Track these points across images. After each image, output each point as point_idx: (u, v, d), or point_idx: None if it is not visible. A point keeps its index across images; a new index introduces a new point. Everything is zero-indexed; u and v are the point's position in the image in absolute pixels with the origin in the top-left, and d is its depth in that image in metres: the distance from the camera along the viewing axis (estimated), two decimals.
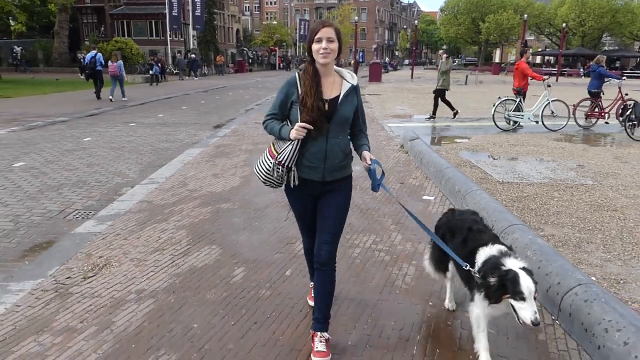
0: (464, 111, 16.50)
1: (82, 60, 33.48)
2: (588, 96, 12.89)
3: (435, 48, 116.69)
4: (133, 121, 13.50)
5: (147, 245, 4.68)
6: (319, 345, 2.91)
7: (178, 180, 7.14)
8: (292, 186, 2.92)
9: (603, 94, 12.85)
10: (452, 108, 14.71)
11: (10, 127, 11.86)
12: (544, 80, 12.55)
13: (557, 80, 39.89)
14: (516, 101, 12.40)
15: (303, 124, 2.71)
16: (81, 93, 22.12)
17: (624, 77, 14.90)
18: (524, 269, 2.58)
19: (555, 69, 54.75)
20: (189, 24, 47.23)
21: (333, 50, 2.74)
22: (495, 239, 2.94)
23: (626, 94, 12.53)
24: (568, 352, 3.08)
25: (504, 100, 12.44)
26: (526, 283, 2.49)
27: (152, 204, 6.00)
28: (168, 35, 44.77)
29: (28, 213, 5.74)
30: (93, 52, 20.10)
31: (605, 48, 74.30)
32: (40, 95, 20.69)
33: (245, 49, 64.24)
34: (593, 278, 3.79)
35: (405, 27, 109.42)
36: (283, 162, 2.81)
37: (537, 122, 12.26)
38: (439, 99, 14.62)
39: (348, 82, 2.88)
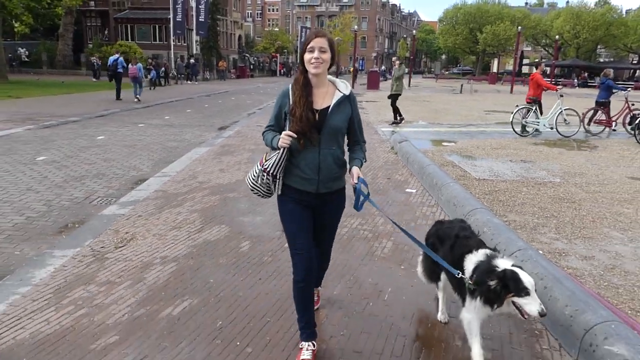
0: (454, 118, 17.36)
1: (94, 64, 34.39)
2: (594, 106, 14.08)
3: (435, 57, 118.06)
4: (141, 122, 14.33)
5: (166, 224, 5.49)
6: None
7: (188, 174, 7.95)
8: (277, 194, 2.95)
9: (609, 104, 14.03)
10: (400, 114, 15.62)
11: (26, 126, 12.67)
12: (557, 90, 13.58)
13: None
14: (531, 109, 13.33)
15: (288, 132, 2.73)
16: (88, 95, 22.98)
17: (630, 89, 16.05)
18: (516, 266, 2.69)
19: (550, 79, 55.97)
20: (193, 30, 48.20)
21: (325, 61, 2.75)
22: (480, 244, 3.03)
23: (632, 104, 13.63)
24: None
25: (521, 109, 13.42)
26: (527, 278, 2.59)
27: (166, 192, 6.80)
28: (171, 40, 45.68)
29: (57, 199, 6.54)
30: (116, 56, 21.40)
31: (601, 60, 75.63)
32: (50, 97, 21.52)
33: (247, 55, 65.23)
34: (537, 249, 4.59)
35: (405, 36, 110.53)
36: (268, 169, 2.83)
37: (551, 128, 13.23)
38: (391, 103, 15.65)
39: (340, 91, 2.87)
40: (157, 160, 9.09)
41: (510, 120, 13.37)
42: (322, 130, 2.79)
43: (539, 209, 6.28)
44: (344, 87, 2.91)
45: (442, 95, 31.06)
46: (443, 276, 3.33)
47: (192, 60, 42.23)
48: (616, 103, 14.52)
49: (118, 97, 20.45)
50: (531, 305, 2.54)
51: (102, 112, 16.38)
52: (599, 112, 14.03)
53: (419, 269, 3.72)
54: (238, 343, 3.18)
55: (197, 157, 9.25)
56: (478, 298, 2.74)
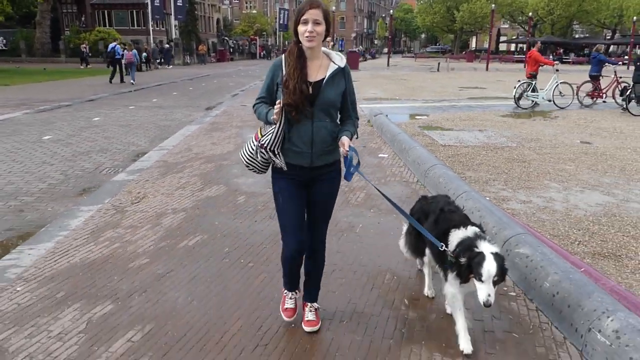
0: (429, 94, 18.35)
1: (84, 51, 34.61)
2: (588, 79, 15.20)
3: (414, 36, 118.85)
4: (131, 105, 15.07)
5: (171, 185, 6.38)
6: (309, 315, 3.15)
7: (183, 147, 8.81)
8: (282, 170, 2.87)
9: (602, 77, 15.14)
10: None
11: (22, 111, 13.34)
12: (553, 65, 14.90)
13: (524, 66, 42.13)
14: (532, 83, 14.47)
15: (278, 103, 2.70)
16: (73, 81, 23.51)
17: (620, 62, 17.27)
18: (495, 254, 2.70)
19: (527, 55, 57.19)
20: (171, 14, 48.29)
21: (319, 34, 2.67)
22: (467, 220, 3.08)
23: (620, 77, 14.85)
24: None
25: (522, 83, 14.53)
26: (488, 267, 2.62)
27: (167, 162, 7.68)
28: (150, 25, 45.79)
29: (71, 169, 7.38)
30: (113, 44, 23.33)
31: (576, 36, 77.15)
32: (35, 84, 22.01)
33: (226, 38, 65.31)
34: (483, 195, 5.58)
35: (384, 15, 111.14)
36: (266, 144, 2.77)
37: (549, 100, 14.41)
38: None
39: (335, 64, 2.79)
40: (153, 137, 9.92)
41: (513, 94, 14.52)
42: (316, 103, 2.73)
43: (492, 168, 7.29)
44: (339, 59, 2.83)
45: (419, 74, 32.03)
46: (428, 252, 3.38)
47: (166, 45, 42.50)
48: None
49: (111, 81, 22.20)
50: (480, 291, 2.64)
51: (91, 97, 17.03)
52: (590, 85, 15.18)
53: (401, 242, 3.81)
54: (242, 261, 4.13)
55: (189, 134, 10.09)
56: (451, 271, 2.85)
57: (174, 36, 47.41)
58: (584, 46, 64.32)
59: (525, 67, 15.57)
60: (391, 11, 53.81)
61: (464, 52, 68.37)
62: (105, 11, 54.85)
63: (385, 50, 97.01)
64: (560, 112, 13.62)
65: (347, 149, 2.75)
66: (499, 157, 8.00)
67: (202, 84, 23.99)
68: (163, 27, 52.35)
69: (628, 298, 3.12)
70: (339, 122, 2.93)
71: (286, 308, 3.20)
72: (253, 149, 2.86)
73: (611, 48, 64.09)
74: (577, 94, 14.82)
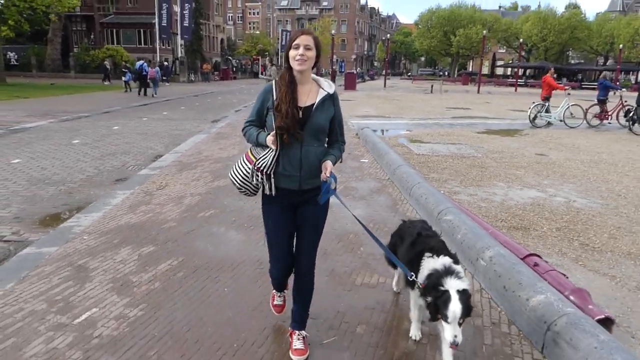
0: (417, 113, 19.90)
1: (107, 67, 36.44)
2: (596, 102, 16.82)
3: (414, 59, 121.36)
4: (144, 117, 16.60)
5: (187, 178, 7.83)
6: (297, 343, 3.08)
7: (195, 151, 10.28)
8: (268, 194, 2.92)
9: (608, 101, 16.90)
10: None
11: (47, 120, 14.84)
12: (565, 90, 16.90)
13: (515, 90, 43.95)
14: (545, 105, 16.23)
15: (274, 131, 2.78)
16: (87, 96, 25.14)
17: (623, 89, 19.22)
18: (462, 291, 2.70)
19: (522, 80, 59.27)
20: (177, 34, 50.24)
21: (310, 58, 2.78)
22: (442, 248, 3.08)
23: (625, 101, 16.66)
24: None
25: (537, 105, 16.29)
26: (453, 308, 2.63)
27: (182, 162, 9.13)
28: (157, 44, 47.67)
29: (102, 166, 8.84)
30: (140, 62, 27.51)
31: (572, 61, 79.43)
32: (53, 97, 23.60)
33: (230, 57, 67.34)
34: (442, 191, 7.01)
35: (383, 38, 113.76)
36: (262, 168, 2.82)
37: (560, 121, 16.10)
38: None
39: (324, 90, 2.89)
40: (167, 143, 11.40)
41: (528, 114, 16.34)
42: (305, 127, 2.80)
43: (454, 171, 8.74)
44: (328, 86, 2.92)
45: (413, 95, 33.68)
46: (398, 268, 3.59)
47: (165, 63, 44.13)
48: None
49: (139, 94, 26.70)
50: (447, 332, 2.67)
51: (106, 110, 18.55)
52: (598, 107, 16.79)
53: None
54: (245, 225, 5.57)
55: (199, 141, 11.58)
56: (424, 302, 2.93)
57: (179, 55, 49.22)
58: (576, 72, 66.50)
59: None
60: (388, 35, 55.54)
61: (461, 75, 70.42)
62: (114, 30, 56.88)
63: (387, 72, 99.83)
64: (530, 130, 15.15)
65: (328, 175, 2.82)
66: (463, 164, 9.47)
67: (207, 100, 25.61)
68: (169, 46, 54.29)
69: (508, 242, 4.54)
70: (326, 146, 3.00)
71: (275, 304, 3.49)
72: (248, 172, 2.91)
73: (603, 73, 66.16)
74: (585, 116, 16.42)
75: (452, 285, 2.71)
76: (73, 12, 56.74)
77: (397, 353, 3.20)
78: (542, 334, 3.16)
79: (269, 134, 2.81)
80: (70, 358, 3.00)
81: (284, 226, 3.02)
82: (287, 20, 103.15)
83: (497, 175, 8.49)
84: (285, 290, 3.46)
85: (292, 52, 2.79)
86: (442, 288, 2.71)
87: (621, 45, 47.25)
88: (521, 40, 52.71)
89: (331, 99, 2.91)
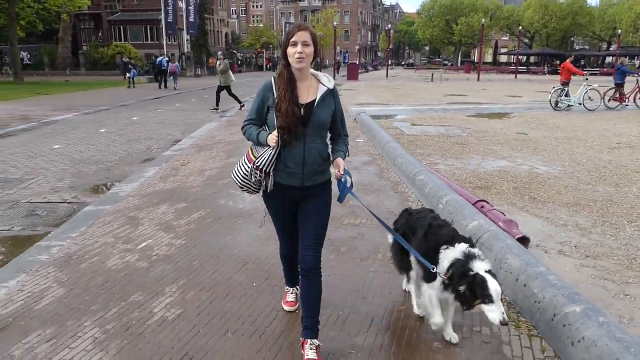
0: (415, 100, 21.07)
1: (123, 64, 37.14)
2: (614, 87, 18.00)
3: (418, 48, 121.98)
4: (159, 109, 17.93)
5: (205, 157, 9.10)
6: (309, 353, 2.90)
7: (209, 136, 11.56)
8: (268, 192, 2.93)
9: (624, 85, 18.07)
10: (239, 101, 17.99)
11: (72, 113, 16.19)
12: (584, 75, 18.36)
13: (516, 77, 44.85)
14: (565, 89, 17.39)
15: (276, 133, 2.76)
16: (101, 91, 26.50)
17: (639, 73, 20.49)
18: (490, 272, 2.71)
19: (524, 68, 60.12)
20: (183, 29, 51.47)
21: (308, 55, 2.74)
22: (457, 236, 3.04)
23: None
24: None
25: (557, 90, 17.46)
26: (494, 287, 2.63)
27: (199, 145, 10.41)
28: (164, 40, 48.96)
29: (130, 149, 10.14)
30: (160, 58, 30.78)
31: (578, 47, 79.96)
32: (70, 94, 24.96)
33: (235, 51, 68.52)
34: (420, 161, 8.22)
35: (387, 28, 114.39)
36: (261, 167, 2.82)
37: (580, 104, 17.23)
38: (227, 93, 17.83)
39: (325, 85, 2.86)
40: (184, 130, 12.70)
41: (549, 99, 17.52)
42: (309, 124, 2.79)
43: (438, 148, 9.96)
44: (327, 81, 2.90)
45: (413, 84, 34.78)
46: (415, 266, 3.39)
47: (166, 59, 44.62)
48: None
49: (160, 87, 29.65)
50: (494, 313, 2.61)
51: (122, 104, 19.88)
52: (616, 91, 17.99)
53: (391, 256, 3.81)
54: None
55: (212, 128, 12.86)
56: (452, 296, 2.83)
57: (185, 50, 50.44)
58: (579, 58, 67.07)
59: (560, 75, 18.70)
60: (389, 25, 56.49)
61: (464, 64, 71.19)
62: (121, 27, 58.24)
63: (389, 62, 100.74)
64: (519, 113, 16.28)
65: (342, 173, 2.84)
66: (447, 142, 10.68)
67: None
68: (175, 42, 55.49)
69: (465, 194, 5.77)
70: (328, 142, 3.00)
71: (288, 301, 3.53)
72: (247, 171, 2.90)
73: (606, 59, 66.82)
74: (603, 99, 17.57)
75: (480, 268, 2.73)
76: (81, 11, 58.20)
77: (372, 260, 4.45)
78: None
79: (270, 133, 2.81)
80: (139, 267, 4.29)
81: (286, 219, 3.10)
82: (290, 13, 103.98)
83: (476, 151, 9.69)
84: (297, 287, 3.45)
85: (290, 50, 2.76)
86: (472, 273, 2.71)
87: (619, 31, 47.86)
88: (521, 28, 53.33)
89: (332, 94, 2.89)
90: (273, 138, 2.77)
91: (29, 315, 3.49)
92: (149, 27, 57.02)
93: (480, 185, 7.02)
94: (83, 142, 10.82)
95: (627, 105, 17.90)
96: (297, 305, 3.44)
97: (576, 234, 5.14)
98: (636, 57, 64.69)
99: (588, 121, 14.41)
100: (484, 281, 2.66)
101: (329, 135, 3.02)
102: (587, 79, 17.88)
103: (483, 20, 46.63)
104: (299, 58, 2.73)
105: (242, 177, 2.95)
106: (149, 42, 56.80)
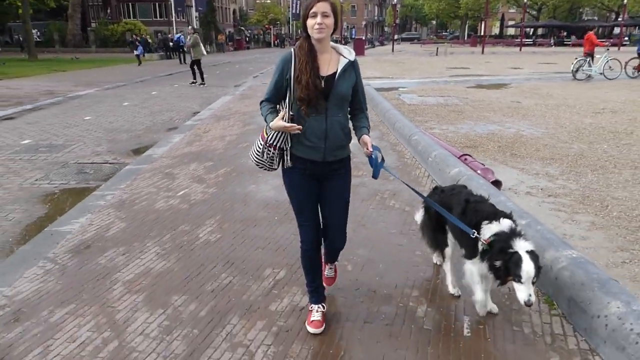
0: (419, 73, 21.81)
1: (136, 41, 36.17)
2: (635, 56, 18.66)
3: (424, 22, 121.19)
4: (175, 84, 18.87)
5: (224, 125, 10.06)
6: (328, 272, 3.39)
7: (225, 108, 12.50)
8: (287, 166, 2.90)
9: None
10: (202, 79, 18.31)
11: (93, 89, 17.16)
12: (605, 46, 19.08)
13: (520, 50, 45.17)
14: (587, 60, 18.06)
15: (283, 125, 2.73)
16: (115, 68, 27.34)
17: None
18: (531, 252, 2.71)
19: (530, 40, 60.14)
20: (192, 6, 51.95)
21: (328, 26, 2.69)
22: (499, 211, 3.03)
23: None
24: None
25: (579, 60, 18.21)
26: (527, 268, 2.64)
27: (217, 115, 11.37)
28: (173, 17, 49.53)
29: (154, 120, 11.11)
30: (178, 35, 32.91)
31: (587, 18, 79.41)
32: (87, 70, 25.91)
33: (242, 28, 68.86)
34: (417, 126, 9.12)
35: (394, 2, 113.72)
36: (272, 143, 2.83)
37: (600, 74, 17.80)
38: (195, 67, 18.13)
39: (345, 57, 2.81)
40: (201, 103, 13.65)
41: (571, 68, 18.29)
42: (330, 97, 2.75)
43: (435, 115, 10.84)
44: (348, 52, 2.86)
45: (419, 58, 35.37)
46: (451, 242, 3.37)
47: (169, 36, 44.49)
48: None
49: (181, 62, 31.49)
50: (521, 292, 2.66)
51: (139, 79, 20.82)
52: (637, 60, 18.61)
53: (417, 217, 3.82)
54: None
55: (227, 100, 13.80)
56: (488, 266, 2.83)
57: (195, 26, 50.93)
58: (587, 29, 66.70)
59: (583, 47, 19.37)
60: (394, 0, 56.54)
61: (470, 37, 71.05)
62: (130, 3, 58.65)
63: (396, 36, 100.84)
64: (517, 83, 17.04)
65: (371, 149, 2.81)
66: (444, 109, 11.55)
67: (226, 69, 27.76)
68: (184, 18, 55.97)
69: (451, 150, 6.71)
70: (349, 116, 2.96)
71: (313, 320, 3.10)
72: (260, 148, 2.92)
73: (615, 30, 66.49)
74: (624, 67, 18.27)
75: (521, 247, 2.72)
76: None
77: (372, 200, 5.41)
78: None
79: (276, 116, 2.78)
80: (181, 207, 5.30)
81: (309, 192, 2.97)
82: None
83: (470, 117, 10.57)
84: (324, 305, 3.18)
85: (309, 21, 2.70)
86: (511, 250, 2.71)
87: (625, 1, 47.69)
88: (525, 0, 53.24)
89: (352, 67, 2.83)
90: (277, 123, 2.74)
91: (103, 239, 4.51)
92: (157, 3, 57.49)
93: (469, 145, 7.94)
94: (110, 114, 11.82)
95: None
96: (323, 327, 3.07)
97: (544, 180, 6.07)
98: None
99: (582, 90, 15.16)
100: (519, 260, 2.67)
101: (349, 109, 2.98)
102: (608, 49, 18.59)
103: None
104: (318, 28, 2.68)
105: (256, 154, 2.96)
106: (158, 18, 57.33)
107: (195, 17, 52.11)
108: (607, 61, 18.03)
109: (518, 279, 2.67)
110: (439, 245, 3.54)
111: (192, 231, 4.66)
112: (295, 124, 2.73)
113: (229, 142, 8.43)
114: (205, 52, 18.69)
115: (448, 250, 3.44)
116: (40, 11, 50.73)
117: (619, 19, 69.27)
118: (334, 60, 2.83)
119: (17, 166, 7.24)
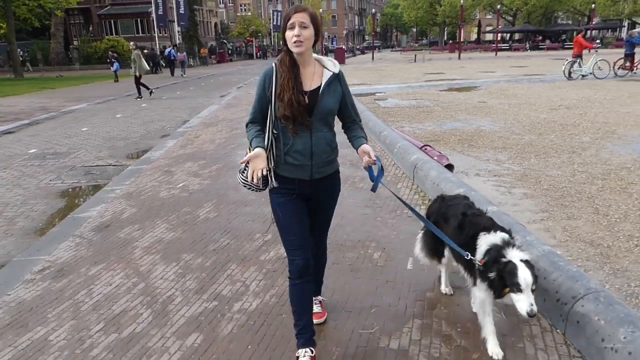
0: (395, 80, 22.92)
1: (112, 58, 35.77)
2: (623, 57, 19.87)
3: (405, 30, 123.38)
4: (163, 96, 19.76)
5: (213, 131, 10.98)
6: (315, 308, 3.16)
7: (213, 116, 13.43)
8: (272, 186, 2.75)
9: (637, 54, 19.92)
10: (147, 88, 19.21)
11: (83, 103, 17.98)
12: (593, 47, 20.35)
13: (495, 54, 46.75)
14: (576, 61, 19.20)
15: (257, 173, 2.61)
16: (101, 84, 28.13)
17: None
18: (526, 261, 2.60)
19: (507, 45, 61.99)
20: (174, 21, 52.89)
21: (307, 38, 2.57)
22: (495, 225, 2.92)
23: None
24: None
25: (569, 61, 19.42)
26: (524, 275, 2.53)
27: (205, 122, 12.29)
28: (156, 33, 50.42)
29: (148, 128, 12.00)
30: (169, 49, 35.07)
31: (562, 22, 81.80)
32: (74, 87, 26.66)
33: (225, 41, 69.91)
34: (390, 126, 10.12)
35: (374, 11, 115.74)
36: None
37: (590, 74, 19.02)
38: (139, 82, 18.97)
39: (329, 70, 2.71)
40: (189, 112, 14.57)
41: (562, 69, 19.50)
42: (314, 112, 2.63)
43: (407, 116, 11.87)
44: (332, 65, 2.75)
45: (397, 65, 36.59)
46: (447, 253, 3.32)
47: (152, 50, 45.26)
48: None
49: (172, 74, 33.58)
50: (521, 302, 2.52)
51: (127, 94, 21.60)
52: (625, 60, 19.87)
53: (417, 248, 3.67)
54: None
55: (214, 109, 14.73)
56: (485, 283, 2.72)
57: (177, 41, 51.85)
58: (560, 32, 68.79)
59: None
60: (373, 10, 58.10)
61: (450, 44, 72.79)
62: (112, 21, 59.30)
63: (358, 45, 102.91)
64: (487, 86, 18.19)
65: (374, 159, 2.71)
66: (415, 111, 12.59)
67: (211, 81, 28.70)
68: (166, 34, 56.85)
69: (414, 142, 7.71)
70: (343, 129, 2.90)
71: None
72: (240, 168, 2.82)
73: (588, 33, 68.66)
74: (613, 67, 19.50)
75: (515, 256, 2.63)
76: (69, 6, 59.45)
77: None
78: (412, 172, 6.36)
79: (258, 146, 2.65)
80: (182, 195, 6.21)
81: (298, 213, 2.80)
82: (277, 0, 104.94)
83: (438, 117, 11.61)
84: (314, 349, 2.83)
85: (288, 33, 2.59)
86: (504, 259, 2.62)
87: (592, 5, 49.62)
88: (499, 6, 55.05)
89: (337, 79, 2.73)
90: (254, 174, 2.62)
91: (119, 221, 5.42)
92: (139, 19, 58.21)
93: (433, 139, 8.94)
94: (105, 125, 12.69)
95: (635, 73, 19.76)
96: None
97: (493, 164, 7.09)
98: (618, 30, 66.71)
99: (544, 89, 16.32)
100: (514, 268, 2.56)
101: (341, 123, 2.91)
102: (596, 51, 19.91)
103: (462, 0, 48.26)
104: (296, 42, 2.55)
105: (242, 177, 2.81)
106: (140, 34, 57.91)
107: (178, 31, 53.02)
108: (596, 62, 19.24)
109: (516, 288, 2.54)
110: (434, 255, 3.52)
111: (193, 212, 5.58)
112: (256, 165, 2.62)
113: (218, 145, 9.36)
114: (147, 68, 19.48)
115: (444, 260, 3.47)
116: (20, 31, 51.22)
117: (593, 22, 72.02)
118: (317, 73, 2.72)
119: (30, 170, 8.10)
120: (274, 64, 2.70)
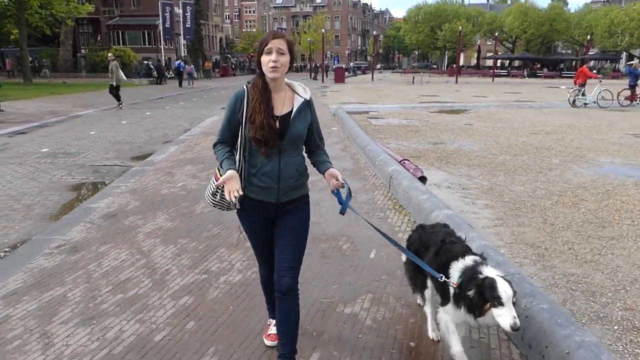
0: (391, 100, 23.77)
1: (151, 67, 40.97)
2: (627, 87, 20.86)
3: (407, 53, 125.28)
4: (167, 106, 20.59)
5: (211, 140, 11.62)
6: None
7: (212, 126, 14.19)
8: (236, 209, 2.80)
9: (638, 86, 20.85)
10: (119, 100, 19.55)
11: (92, 109, 18.77)
12: (598, 78, 21.33)
13: (492, 80, 47.84)
14: (581, 90, 20.04)
15: (233, 193, 2.62)
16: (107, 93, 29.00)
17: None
18: (502, 277, 2.62)
19: (505, 71, 63.25)
20: (180, 34, 54.11)
21: (283, 64, 2.61)
22: (468, 250, 2.97)
23: None
24: None
25: (574, 90, 20.24)
26: (504, 288, 2.52)
27: (206, 132, 13.04)
28: (162, 45, 51.56)
29: (151, 135, 12.75)
30: (178, 61, 37.32)
31: (562, 51, 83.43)
32: (82, 93, 27.51)
33: (229, 55, 71.19)
34: (378, 142, 10.86)
35: (376, 33, 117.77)
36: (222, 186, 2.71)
37: (594, 102, 19.76)
38: (114, 91, 19.47)
39: (300, 96, 2.76)
40: (191, 122, 15.35)
41: (567, 98, 20.36)
42: (285, 137, 2.67)
43: (395, 134, 12.63)
44: (303, 91, 2.80)
45: (395, 86, 37.57)
46: (430, 284, 3.24)
47: (158, 61, 46.24)
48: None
49: (180, 85, 35.79)
50: (504, 317, 2.48)
51: (132, 102, 22.45)
52: (628, 91, 20.83)
53: (404, 270, 3.67)
54: None
55: (215, 120, 15.51)
56: (462, 306, 2.69)
57: (183, 54, 53.02)
58: (558, 61, 70.21)
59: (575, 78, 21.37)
60: (374, 32, 59.43)
61: (450, 68, 74.17)
62: (119, 31, 60.55)
63: (378, 66, 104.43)
64: (475, 109, 19.02)
65: (342, 182, 2.77)
66: (404, 130, 13.37)
67: (213, 94, 29.58)
68: (172, 46, 58.05)
69: (394, 156, 8.45)
70: (306, 154, 2.93)
71: (269, 334, 3.29)
72: (212, 190, 2.83)
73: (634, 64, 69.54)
74: (617, 97, 20.34)
75: (490, 272, 2.65)
76: (79, 16, 60.69)
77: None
78: (388, 181, 7.09)
79: (230, 168, 2.67)
80: (181, 193, 6.94)
81: (262, 238, 2.91)
82: (282, 18, 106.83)
83: (424, 136, 12.38)
84: None
85: (264, 58, 2.62)
86: (481, 276, 2.63)
87: (589, 37, 50.94)
88: (497, 33, 56.45)
89: (307, 106, 2.78)
90: (227, 193, 2.64)
91: (124, 211, 6.13)
92: (146, 32, 59.41)
93: (415, 155, 9.69)
94: (112, 130, 13.46)
95: (637, 104, 20.55)
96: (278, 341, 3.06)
97: (464, 179, 7.82)
98: (608, 61, 68.04)
99: (530, 115, 17.14)
100: (493, 282, 2.56)
101: (305, 148, 2.93)
102: (600, 81, 20.66)
103: (460, 27, 49.65)
104: (272, 67, 2.59)
105: (210, 196, 2.87)
106: (147, 46, 59.15)
107: (184, 45, 54.19)
108: (600, 91, 20.05)
109: (497, 301, 2.52)
110: (418, 286, 3.48)
111: (191, 206, 6.30)
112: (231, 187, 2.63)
113: None
114: (124, 78, 20.12)
115: (427, 293, 3.33)
116: (30, 37, 52.25)
117: (590, 52, 73.51)
118: (288, 98, 2.76)
119: (43, 167, 8.83)
120: (244, 86, 2.74)
